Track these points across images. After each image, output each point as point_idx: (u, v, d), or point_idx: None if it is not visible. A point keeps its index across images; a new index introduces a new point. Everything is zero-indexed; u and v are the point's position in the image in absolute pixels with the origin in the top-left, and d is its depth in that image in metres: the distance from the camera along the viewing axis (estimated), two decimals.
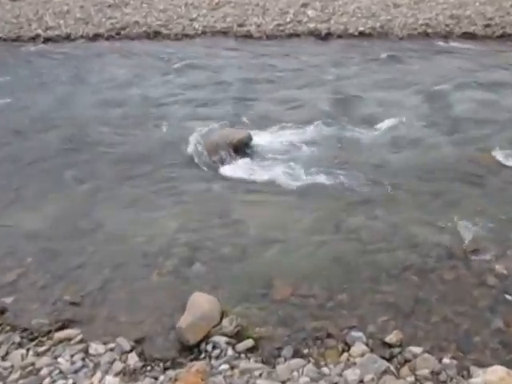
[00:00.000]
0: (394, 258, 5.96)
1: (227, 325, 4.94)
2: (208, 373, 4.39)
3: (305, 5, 18.03)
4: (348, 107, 10.57)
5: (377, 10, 17.02)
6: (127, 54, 15.64)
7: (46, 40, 17.06)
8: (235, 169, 8.20)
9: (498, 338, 4.85)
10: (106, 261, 6.16)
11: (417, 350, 4.62)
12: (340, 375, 4.36)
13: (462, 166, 8.00)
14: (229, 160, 8.42)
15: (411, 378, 4.32)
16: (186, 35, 16.90)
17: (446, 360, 4.51)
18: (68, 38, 17.17)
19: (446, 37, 15.22)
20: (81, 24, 17.96)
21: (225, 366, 4.50)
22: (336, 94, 11.27)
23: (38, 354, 4.76)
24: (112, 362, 4.63)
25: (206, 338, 4.84)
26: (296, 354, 4.71)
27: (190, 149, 8.88)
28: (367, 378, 4.26)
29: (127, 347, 4.81)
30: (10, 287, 5.79)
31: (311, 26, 16.37)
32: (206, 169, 8.32)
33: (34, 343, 4.93)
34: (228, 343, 4.78)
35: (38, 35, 17.31)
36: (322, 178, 7.75)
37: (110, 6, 19.54)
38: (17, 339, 4.96)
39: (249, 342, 4.79)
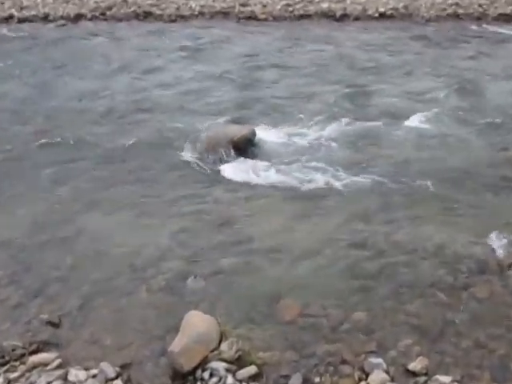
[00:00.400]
0: (418, 273, 5.94)
1: (227, 349, 4.93)
2: None
3: None
4: (367, 100, 10.61)
5: None
6: (113, 37, 15.71)
7: (21, 21, 17.16)
8: (237, 170, 8.22)
9: None
10: (88, 274, 6.16)
11: (445, 379, 4.61)
12: None
13: (497, 168, 8.00)
14: (230, 160, 8.43)
15: None
16: (181, 16, 17.01)
17: None
18: (46, 18, 17.28)
19: (480, 19, 15.23)
20: (60, 3, 18.10)
21: None
22: (353, 86, 11.34)
23: (9, 382, 4.75)
24: None
25: (203, 364, 4.82)
26: (306, 382, 4.70)
27: (185, 147, 8.91)
28: None
29: (112, 374, 4.81)
30: None
31: (324, 5, 16.43)
32: (203, 170, 8.34)
33: (4, 368, 4.92)
34: (228, 370, 4.76)
35: (11, 16, 17.42)
36: (336, 181, 7.76)
37: None
38: None
39: (251, 369, 4.79)
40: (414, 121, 9.57)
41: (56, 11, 17.36)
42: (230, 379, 4.69)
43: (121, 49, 14.53)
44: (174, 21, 16.79)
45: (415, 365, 4.77)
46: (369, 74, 12.06)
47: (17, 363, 4.99)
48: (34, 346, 5.17)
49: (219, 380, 4.69)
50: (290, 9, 16.47)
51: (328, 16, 16.01)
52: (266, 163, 8.36)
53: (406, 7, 15.90)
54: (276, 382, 4.74)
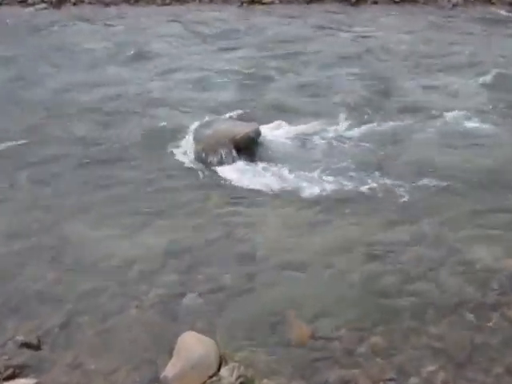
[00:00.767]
0: (443, 290, 5.94)
1: (227, 374, 4.93)
2: None
3: None
4: (386, 95, 10.63)
5: None
6: (99, 22, 15.77)
7: None
8: (239, 173, 8.24)
9: None
10: (71, 290, 6.16)
11: None
12: None
13: None
14: (230, 161, 8.44)
15: None
16: (177, 0, 17.05)
17: None
18: (25, 1, 17.35)
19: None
20: None
21: None
22: (370, 78, 11.36)
23: None
24: None
25: None
26: None
27: (182, 146, 8.93)
28: None
29: None
30: None
31: None
32: (201, 173, 8.35)
33: None
34: None
35: None
36: (349, 186, 7.77)
37: None
38: None
39: None
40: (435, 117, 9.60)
41: None
42: None
43: (108, 36, 14.57)
44: (168, 4, 16.87)
45: None
46: (392, 64, 12.10)
47: None
48: (9, 371, 5.16)
49: None
50: None
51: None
52: (270, 166, 8.37)
53: None
54: None
